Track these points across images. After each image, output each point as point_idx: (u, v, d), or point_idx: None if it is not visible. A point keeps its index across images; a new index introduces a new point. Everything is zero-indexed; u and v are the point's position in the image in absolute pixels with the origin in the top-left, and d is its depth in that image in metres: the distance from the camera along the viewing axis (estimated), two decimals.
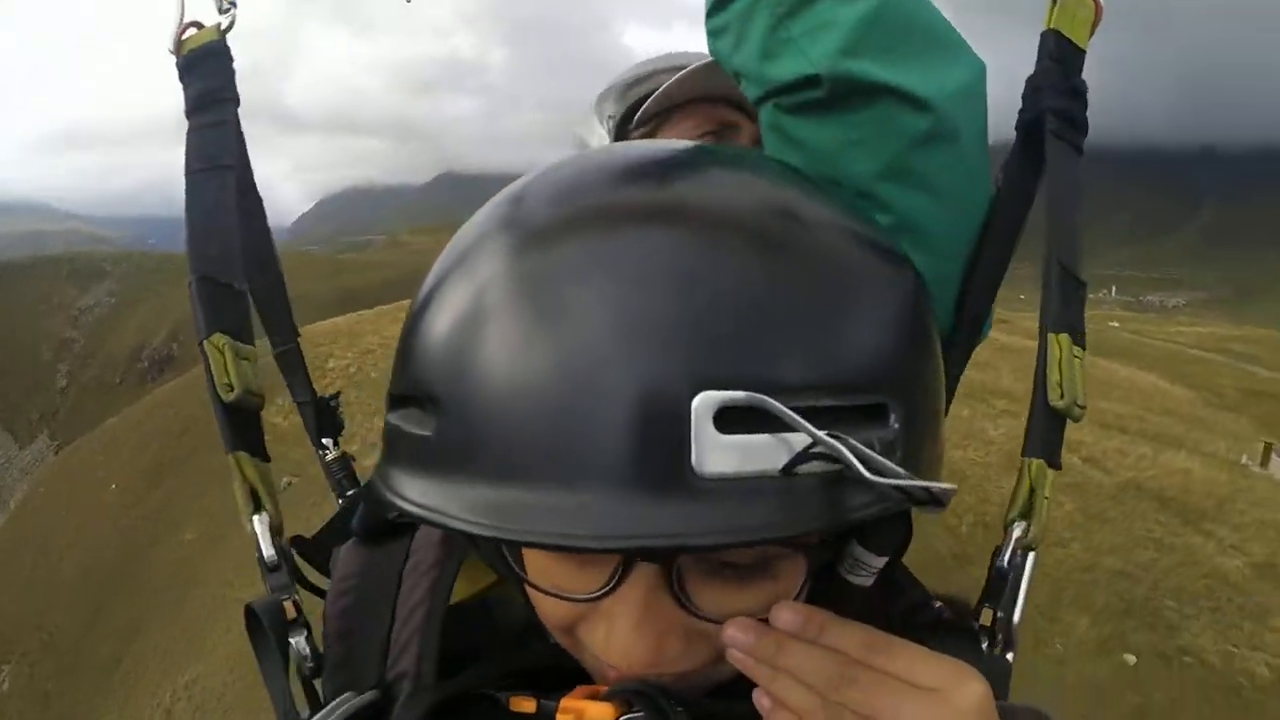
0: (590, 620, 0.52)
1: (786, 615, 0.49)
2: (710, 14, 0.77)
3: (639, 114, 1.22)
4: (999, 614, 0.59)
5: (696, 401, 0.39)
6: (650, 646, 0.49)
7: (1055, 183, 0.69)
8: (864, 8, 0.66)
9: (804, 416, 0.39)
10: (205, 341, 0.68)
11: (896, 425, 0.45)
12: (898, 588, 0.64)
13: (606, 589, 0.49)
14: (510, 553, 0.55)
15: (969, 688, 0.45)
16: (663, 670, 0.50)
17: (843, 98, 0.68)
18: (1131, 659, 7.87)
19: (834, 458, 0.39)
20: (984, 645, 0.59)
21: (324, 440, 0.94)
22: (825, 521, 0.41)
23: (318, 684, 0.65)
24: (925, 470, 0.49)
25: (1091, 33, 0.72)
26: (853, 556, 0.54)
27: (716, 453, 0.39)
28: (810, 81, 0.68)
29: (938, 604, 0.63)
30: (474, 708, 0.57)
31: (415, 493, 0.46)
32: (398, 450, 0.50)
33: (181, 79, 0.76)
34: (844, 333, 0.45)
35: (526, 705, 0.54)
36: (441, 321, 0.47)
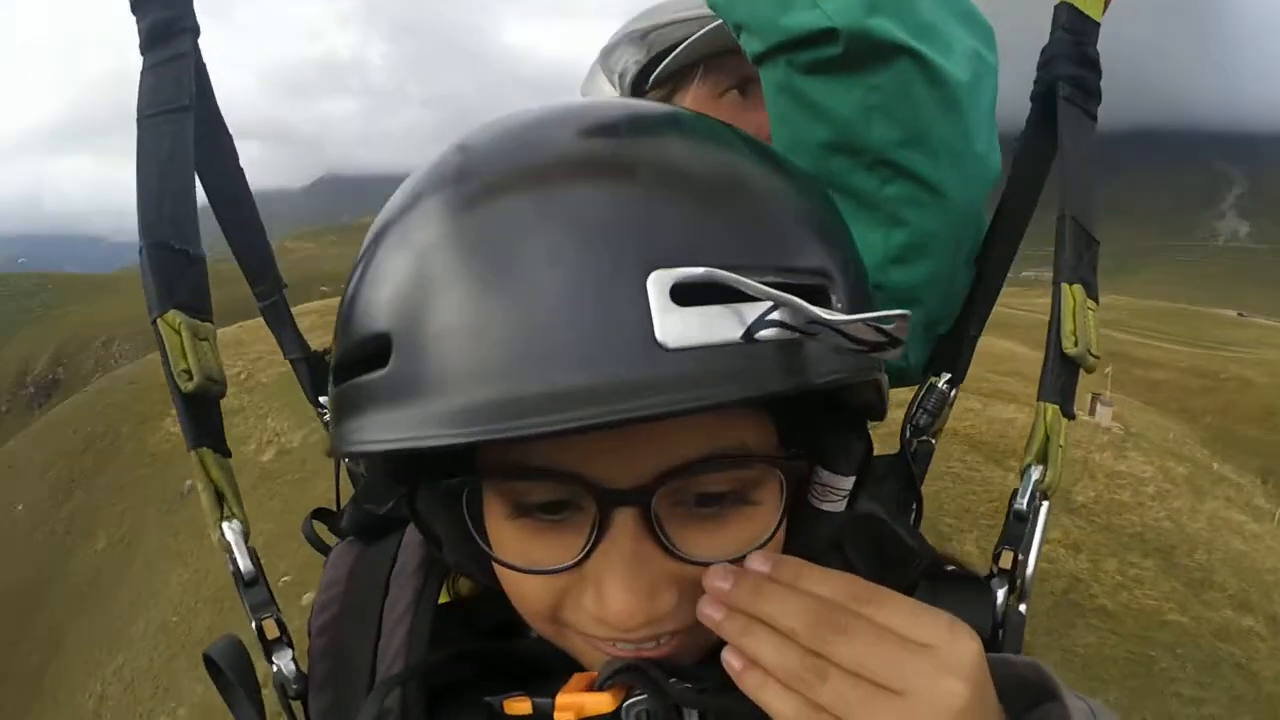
0: (574, 593, 0.49)
1: (758, 559, 0.47)
2: None
3: (657, 72, 1.17)
4: (1019, 556, 0.59)
5: (651, 279, 0.40)
6: (644, 599, 0.46)
7: (1068, 145, 0.72)
8: None
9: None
10: (159, 320, 0.61)
11: (839, 305, 0.45)
12: (907, 554, 0.62)
13: (588, 548, 0.47)
14: (482, 537, 0.52)
15: (963, 644, 0.43)
16: (659, 629, 0.49)
17: (860, 57, 0.68)
18: None
19: (791, 325, 0.40)
20: (1001, 592, 0.58)
21: (321, 399, 0.86)
22: (791, 381, 0.41)
23: (296, 706, 0.61)
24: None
25: (1105, 6, 0.74)
26: (819, 482, 0.55)
27: (677, 323, 0.39)
28: (827, 36, 0.68)
29: (950, 567, 0.60)
30: (466, 713, 0.55)
31: (380, 431, 0.43)
32: (353, 405, 0.46)
33: (134, 10, 0.69)
34: (776, 220, 0.46)
35: (521, 707, 0.52)
36: (387, 275, 0.46)
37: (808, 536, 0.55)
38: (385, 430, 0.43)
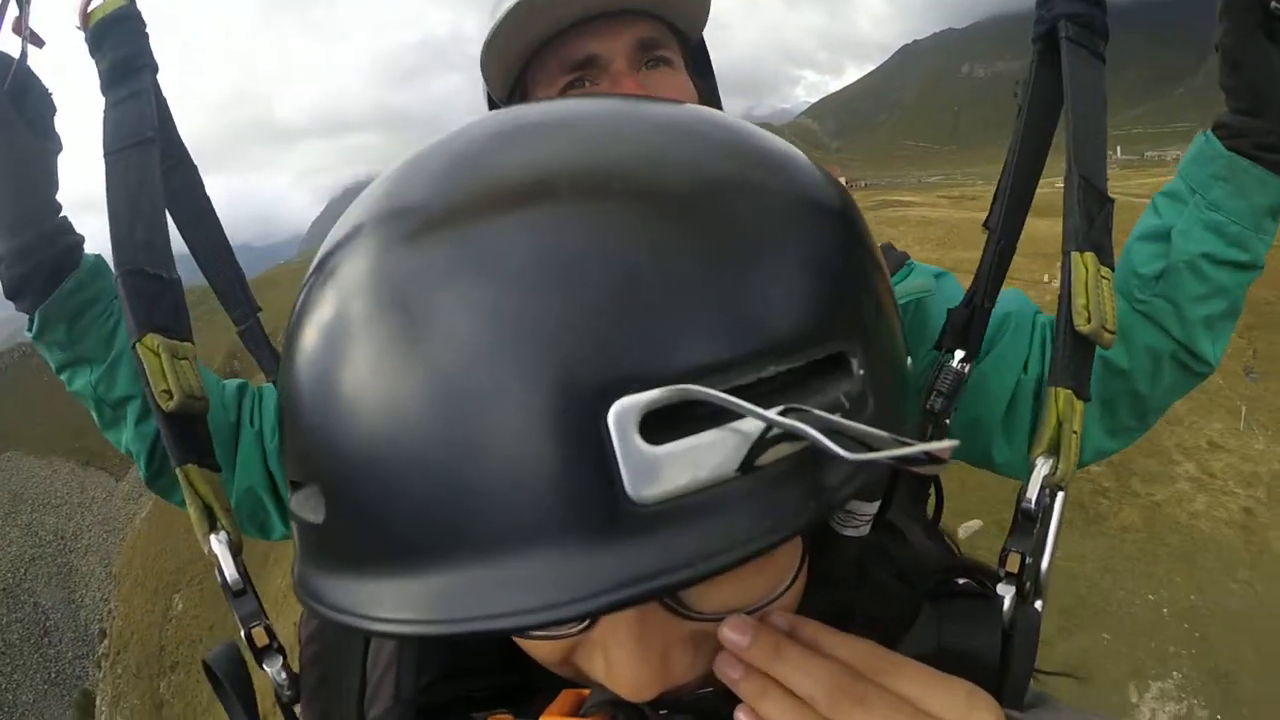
0: (584, 649, 0.45)
1: (778, 615, 0.45)
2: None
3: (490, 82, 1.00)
4: (1027, 559, 0.53)
5: (612, 414, 0.31)
6: (655, 669, 0.42)
7: (1075, 91, 0.63)
8: None
9: (751, 392, 0.33)
10: (138, 344, 0.60)
11: (861, 372, 0.39)
12: (922, 568, 0.58)
13: (589, 619, 0.42)
14: None
15: (979, 718, 0.41)
16: (672, 685, 0.44)
17: None
18: None
19: (803, 435, 0.31)
20: (1009, 596, 0.52)
21: None
22: (811, 514, 0.34)
23: (297, 709, 0.60)
24: (902, 418, 0.43)
25: None
26: (843, 509, 0.50)
27: (651, 470, 0.31)
28: None
29: (962, 581, 0.57)
30: None
31: (334, 593, 0.39)
32: (302, 543, 0.43)
33: (92, 53, 0.70)
34: (770, 285, 0.36)
35: None
36: (305, 378, 0.39)
37: (829, 561, 0.51)
38: (340, 593, 0.39)
